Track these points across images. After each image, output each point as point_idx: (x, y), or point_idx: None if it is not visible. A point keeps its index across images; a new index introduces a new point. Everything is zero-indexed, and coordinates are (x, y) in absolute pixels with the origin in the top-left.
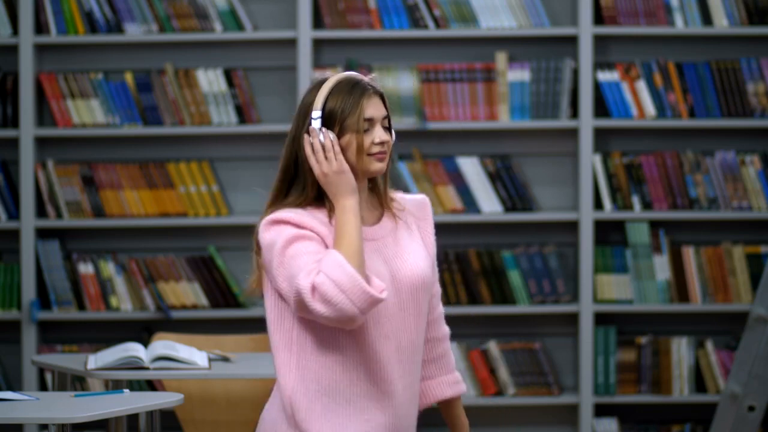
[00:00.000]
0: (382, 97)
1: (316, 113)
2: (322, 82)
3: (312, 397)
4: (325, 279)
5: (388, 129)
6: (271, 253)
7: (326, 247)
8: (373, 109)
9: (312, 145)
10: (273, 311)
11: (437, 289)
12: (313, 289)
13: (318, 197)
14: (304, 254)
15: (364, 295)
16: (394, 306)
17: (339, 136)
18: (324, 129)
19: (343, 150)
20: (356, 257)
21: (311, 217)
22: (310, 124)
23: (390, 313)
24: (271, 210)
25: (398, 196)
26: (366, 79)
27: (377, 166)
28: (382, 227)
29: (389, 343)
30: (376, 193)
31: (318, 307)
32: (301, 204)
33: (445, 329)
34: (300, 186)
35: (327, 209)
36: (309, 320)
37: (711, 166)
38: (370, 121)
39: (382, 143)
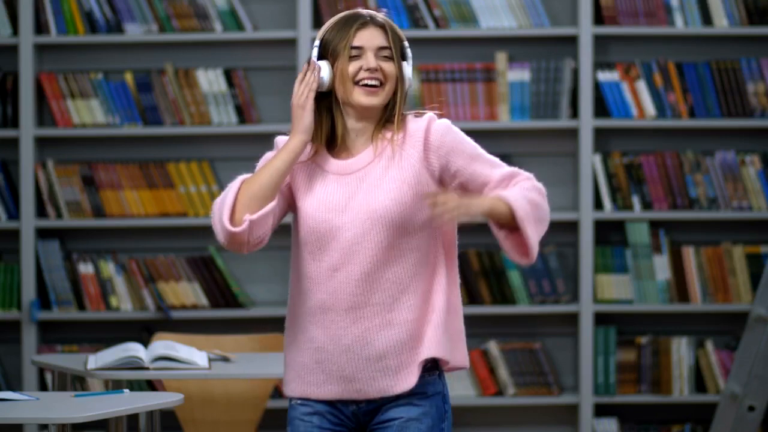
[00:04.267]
0: (386, 29)
1: (314, 50)
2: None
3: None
4: (217, 200)
5: (390, 59)
6: None
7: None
8: (366, 38)
9: (300, 75)
10: None
11: (484, 178)
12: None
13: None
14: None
15: (220, 224)
16: (348, 238)
17: (332, 65)
18: (314, 61)
19: (335, 79)
20: (251, 188)
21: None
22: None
23: (343, 245)
24: None
25: (409, 119)
26: (370, 12)
27: (364, 100)
28: (358, 161)
29: (339, 273)
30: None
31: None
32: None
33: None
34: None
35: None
36: (293, 236)
37: (711, 166)
38: (360, 49)
39: (370, 70)
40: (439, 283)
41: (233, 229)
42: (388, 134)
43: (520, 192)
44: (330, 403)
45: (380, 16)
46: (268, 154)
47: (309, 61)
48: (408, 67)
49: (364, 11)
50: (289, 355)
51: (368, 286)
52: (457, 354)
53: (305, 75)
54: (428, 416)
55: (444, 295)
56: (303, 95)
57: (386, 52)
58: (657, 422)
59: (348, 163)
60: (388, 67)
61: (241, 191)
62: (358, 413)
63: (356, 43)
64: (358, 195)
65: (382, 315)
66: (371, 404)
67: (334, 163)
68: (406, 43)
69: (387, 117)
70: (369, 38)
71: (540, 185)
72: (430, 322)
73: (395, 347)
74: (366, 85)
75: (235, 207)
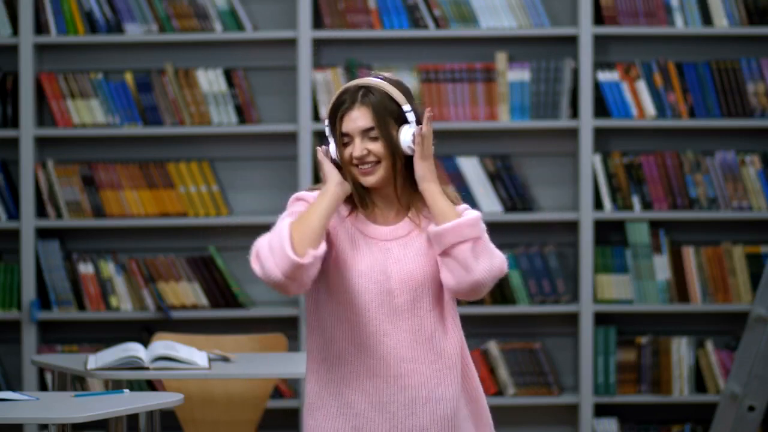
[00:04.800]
0: (372, 107)
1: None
2: None
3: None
4: (263, 241)
5: (376, 139)
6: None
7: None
8: (351, 123)
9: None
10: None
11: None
12: (256, 250)
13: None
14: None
15: (284, 256)
16: (385, 307)
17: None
18: (321, 149)
19: None
20: (302, 228)
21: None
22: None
23: (382, 312)
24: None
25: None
26: (360, 84)
27: (363, 180)
28: (396, 229)
29: (388, 339)
30: (404, 197)
31: (253, 264)
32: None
33: None
34: None
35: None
36: (315, 299)
37: (711, 166)
38: (348, 136)
39: (360, 157)
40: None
41: (301, 260)
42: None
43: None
44: None
45: (373, 84)
46: (297, 207)
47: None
48: (408, 131)
49: (353, 85)
50: (314, 420)
51: (417, 355)
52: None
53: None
54: None
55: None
56: (321, 157)
57: (373, 133)
58: (657, 422)
59: (389, 230)
60: (376, 147)
61: (294, 231)
62: None
63: (344, 130)
64: (405, 261)
65: (428, 387)
66: None
67: (375, 229)
68: (406, 107)
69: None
70: (354, 122)
71: (503, 261)
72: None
73: (439, 422)
74: (359, 168)
75: (292, 244)
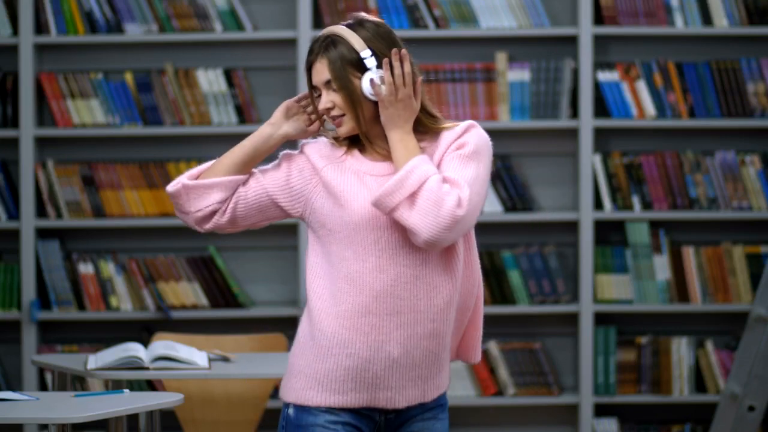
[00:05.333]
0: (328, 56)
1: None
2: None
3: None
4: None
5: (336, 91)
6: None
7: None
8: (315, 76)
9: None
10: None
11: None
12: None
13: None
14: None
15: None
16: (382, 243)
17: None
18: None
19: None
20: (219, 159)
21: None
22: None
23: (391, 245)
24: None
25: (447, 126)
26: (322, 35)
27: (338, 131)
28: (385, 166)
29: (384, 275)
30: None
31: None
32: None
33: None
34: None
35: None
36: (318, 240)
37: (711, 166)
38: (317, 89)
39: (326, 110)
40: (471, 284)
41: (168, 189)
42: (421, 144)
43: (431, 177)
44: (356, 412)
45: (337, 32)
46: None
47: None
48: (367, 77)
49: (321, 35)
50: (305, 360)
51: (415, 291)
52: (477, 354)
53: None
54: (446, 429)
55: (473, 300)
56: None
57: (334, 84)
58: (657, 422)
59: (386, 166)
60: (336, 98)
61: (215, 162)
62: (384, 424)
63: (313, 84)
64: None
65: (424, 324)
66: (400, 416)
67: (369, 165)
68: (364, 54)
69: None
70: (318, 75)
71: (457, 202)
72: (462, 335)
73: (432, 358)
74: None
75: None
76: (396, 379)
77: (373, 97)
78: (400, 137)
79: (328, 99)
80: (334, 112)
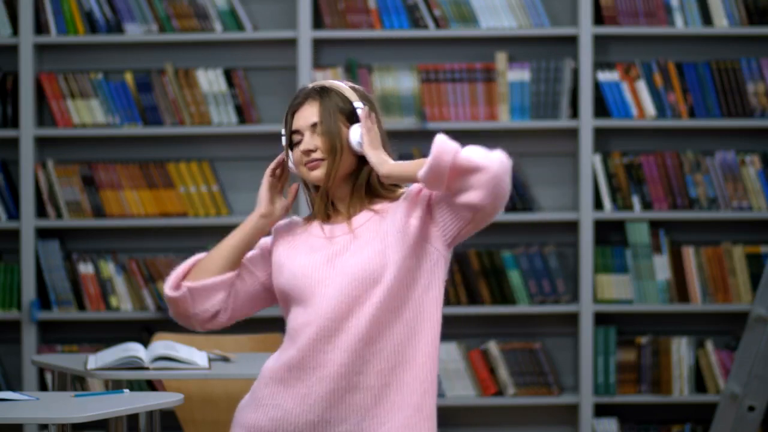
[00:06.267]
0: (320, 100)
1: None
2: None
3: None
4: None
5: (321, 135)
6: None
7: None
8: (301, 120)
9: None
10: None
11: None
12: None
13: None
14: None
15: (165, 292)
16: (335, 296)
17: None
18: (281, 157)
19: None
20: (202, 262)
21: (286, 229)
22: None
23: (331, 304)
24: None
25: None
26: (315, 82)
27: (312, 175)
28: (342, 226)
29: (319, 327)
30: (359, 191)
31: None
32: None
33: None
34: None
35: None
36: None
37: (711, 166)
38: (298, 133)
39: (307, 152)
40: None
41: (171, 294)
42: (376, 207)
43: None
44: None
45: (328, 83)
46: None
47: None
48: (357, 129)
49: (309, 86)
50: (240, 414)
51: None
52: None
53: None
54: None
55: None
56: (264, 177)
57: (320, 128)
58: (657, 422)
59: (332, 228)
60: (319, 142)
61: (194, 265)
62: None
63: (294, 127)
64: (342, 256)
65: (347, 378)
66: None
67: (318, 229)
68: (358, 104)
69: (366, 187)
70: (303, 119)
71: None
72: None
73: (359, 412)
74: (307, 164)
75: (182, 278)
76: None
77: (359, 147)
78: (399, 162)
79: (312, 142)
80: (315, 155)
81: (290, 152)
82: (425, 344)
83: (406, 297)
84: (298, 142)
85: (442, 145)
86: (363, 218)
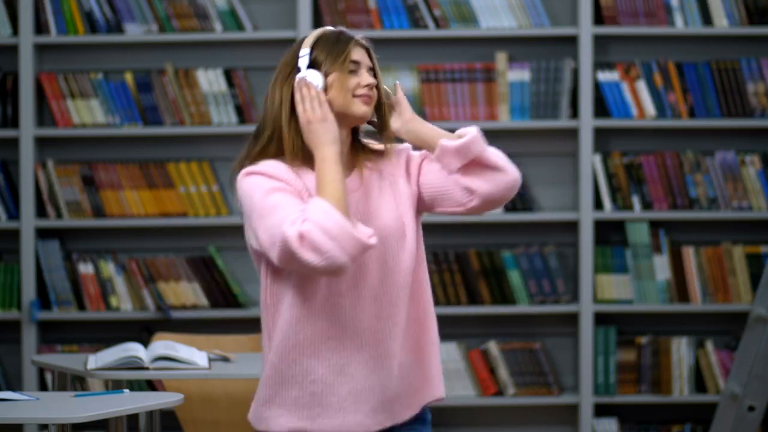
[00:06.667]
0: (368, 51)
1: (303, 59)
2: (304, 38)
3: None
4: (312, 227)
5: (375, 78)
6: (250, 204)
7: (302, 200)
8: (360, 56)
9: (300, 92)
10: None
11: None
12: (301, 237)
13: (303, 151)
14: (285, 205)
15: (353, 241)
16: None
17: (326, 76)
18: (313, 72)
19: (329, 90)
20: (341, 204)
21: (287, 170)
22: (298, 71)
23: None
24: (248, 161)
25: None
26: (349, 33)
27: (362, 109)
28: (352, 180)
29: (351, 296)
30: (354, 146)
31: (307, 255)
32: (280, 156)
33: None
34: (279, 138)
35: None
36: (281, 276)
37: (711, 166)
38: (357, 64)
39: (368, 86)
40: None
41: (370, 241)
42: (369, 163)
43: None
44: None
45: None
46: (270, 189)
47: (298, 77)
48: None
49: (343, 29)
50: (271, 411)
51: (376, 311)
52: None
53: (306, 91)
54: None
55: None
56: (318, 109)
57: (372, 72)
58: (657, 422)
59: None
60: (374, 80)
61: (333, 205)
62: None
63: (354, 57)
64: (362, 215)
65: (385, 344)
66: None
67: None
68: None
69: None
70: (362, 57)
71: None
72: (432, 359)
73: (392, 375)
74: (363, 96)
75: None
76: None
77: (390, 100)
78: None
79: (370, 80)
80: (373, 92)
81: (320, 84)
82: (430, 304)
83: (420, 259)
84: (353, 71)
85: (478, 135)
86: (366, 172)
